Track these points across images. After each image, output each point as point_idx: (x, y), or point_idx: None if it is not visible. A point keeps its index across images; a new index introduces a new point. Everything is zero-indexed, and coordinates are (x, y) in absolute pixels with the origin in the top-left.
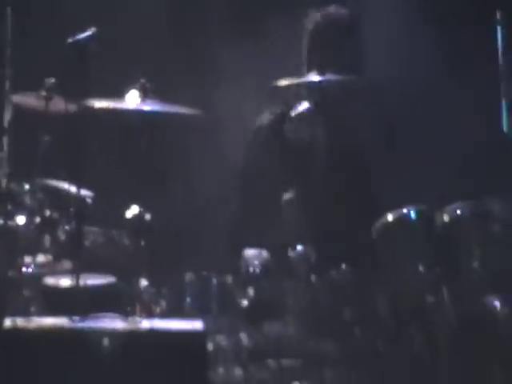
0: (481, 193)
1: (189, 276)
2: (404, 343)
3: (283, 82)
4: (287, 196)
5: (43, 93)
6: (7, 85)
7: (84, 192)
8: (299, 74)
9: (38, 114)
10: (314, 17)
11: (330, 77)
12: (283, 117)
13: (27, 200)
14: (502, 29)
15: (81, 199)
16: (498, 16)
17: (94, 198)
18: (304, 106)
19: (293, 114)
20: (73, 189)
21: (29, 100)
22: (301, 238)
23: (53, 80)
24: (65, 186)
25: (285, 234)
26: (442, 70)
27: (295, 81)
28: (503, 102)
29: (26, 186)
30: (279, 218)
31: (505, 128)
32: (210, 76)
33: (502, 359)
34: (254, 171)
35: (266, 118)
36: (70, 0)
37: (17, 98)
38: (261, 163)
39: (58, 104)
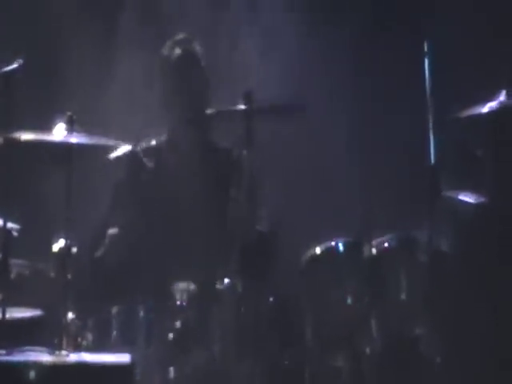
0: (407, 224)
1: (115, 309)
2: (330, 372)
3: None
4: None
5: None
6: None
7: (10, 225)
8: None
9: None
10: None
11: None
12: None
13: None
14: (429, 60)
15: (7, 232)
16: (426, 48)
17: (20, 231)
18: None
19: None
20: None
21: None
22: (228, 271)
23: None
24: None
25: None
26: (371, 100)
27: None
28: (430, 135)
29: None
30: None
31: (432, 161)
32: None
33: None
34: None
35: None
36: None
37: None
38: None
39: None
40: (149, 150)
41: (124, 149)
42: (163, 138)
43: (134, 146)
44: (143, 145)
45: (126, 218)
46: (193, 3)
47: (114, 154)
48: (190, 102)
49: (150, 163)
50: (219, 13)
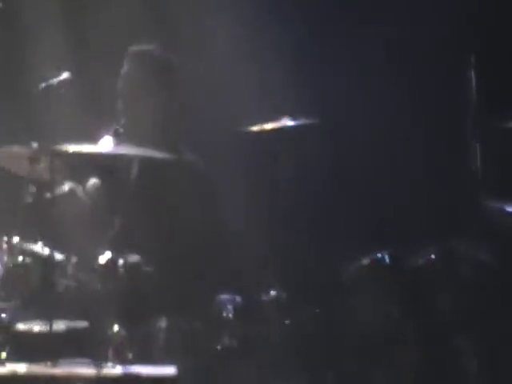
0: (450, 234)
1: (161, 321)
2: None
3: None
4: None
5: (29, 155)
6: None
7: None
8: None
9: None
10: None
11: None
12: None
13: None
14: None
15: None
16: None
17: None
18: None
19: None
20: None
21: (13, 160)
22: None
23: (38, 143)
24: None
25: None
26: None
27: None
28: (473, 144)
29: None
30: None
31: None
32: None
33: None
34: None
35: None
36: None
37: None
38: None
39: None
40: None
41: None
42: None
43: None
44: None
45: None
46: None
47: None
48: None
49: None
50: None
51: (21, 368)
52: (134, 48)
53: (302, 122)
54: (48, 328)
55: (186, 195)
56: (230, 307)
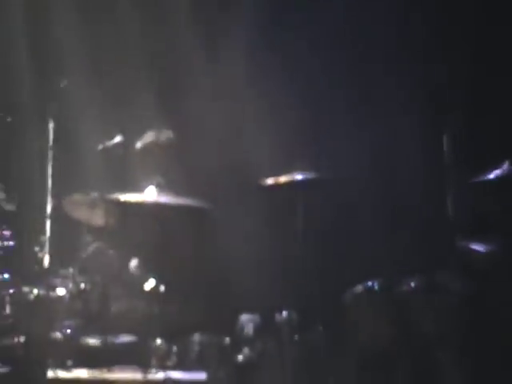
0: (430, 269)
1: (195, 336)
2: None
3: None
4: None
5: (89, 202)
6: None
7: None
8: None
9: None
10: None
11: None
12: None
13: (68, 278)
14: (448, 136)
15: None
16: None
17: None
18: None
19: None
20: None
21: (75, 206)
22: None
23: (96, 193)
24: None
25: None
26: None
27: None
28: (449, 196)
29: (71, 270)
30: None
31: (450, 217)
32: None
33: None
34: None
35: None
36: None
37: (66, 204)
38: None
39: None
40: None
41: None
42: None
43: None
44: None
45: None
46: None
47: None
48: None
49: None
50: None
51: (83, 373)
52: (143, 141)
53: (312, 175)
54: (104, 341)
55: (200, 236)
56: (250, 325)
